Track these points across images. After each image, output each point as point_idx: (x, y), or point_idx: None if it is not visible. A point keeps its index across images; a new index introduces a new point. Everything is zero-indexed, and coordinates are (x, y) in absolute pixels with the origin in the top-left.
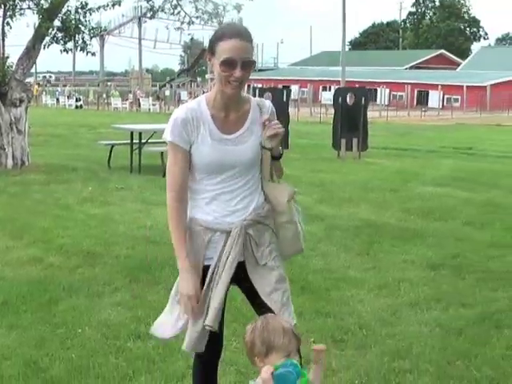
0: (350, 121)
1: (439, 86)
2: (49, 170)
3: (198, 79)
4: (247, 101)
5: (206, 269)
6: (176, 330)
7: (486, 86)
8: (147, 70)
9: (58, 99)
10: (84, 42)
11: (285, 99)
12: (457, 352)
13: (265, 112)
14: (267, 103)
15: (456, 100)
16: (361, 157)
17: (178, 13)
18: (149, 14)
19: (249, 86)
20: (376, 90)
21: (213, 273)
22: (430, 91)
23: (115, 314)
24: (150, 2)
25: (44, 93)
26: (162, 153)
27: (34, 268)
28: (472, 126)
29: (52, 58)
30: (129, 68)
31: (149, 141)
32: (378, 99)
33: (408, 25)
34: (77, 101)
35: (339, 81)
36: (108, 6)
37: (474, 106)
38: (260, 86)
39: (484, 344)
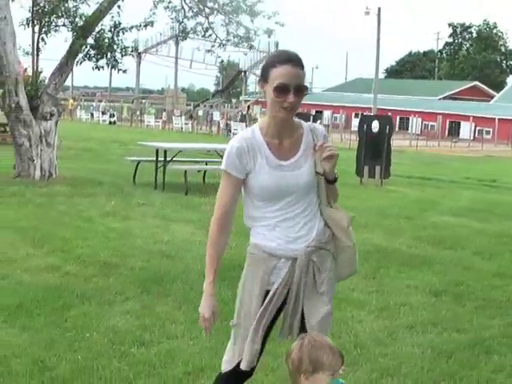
0: (374, 148)
1: (471, 118)
2: (75, 182)
3: (233, 100)
4: (300, 126)
5: (268, 294)
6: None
7: None
8: (183, 89)
9: (92, 114)
10: (115, 60)
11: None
12: (444, 373)
13: (318, 136)
14: (319, 128)
15: (488, 132)
16: (383, 184)
17: (210, 35)
18: (181, 36)
19: None
20: (408, 119)
21: (273, 296)
22: (461, 122)
23: (123, 322)
24: (183, 24)
25: (79, 107)
26: (185, 171)
27: (51, 275)
28: (501, 159)
29: (89, 74)
30: (165, 86)
31: (174, 159)
32: (410, 128)
33: (444, 55)
34: (111, 117)
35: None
36: (141, 26)
37: (506, 139)
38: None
39: (472, 367)
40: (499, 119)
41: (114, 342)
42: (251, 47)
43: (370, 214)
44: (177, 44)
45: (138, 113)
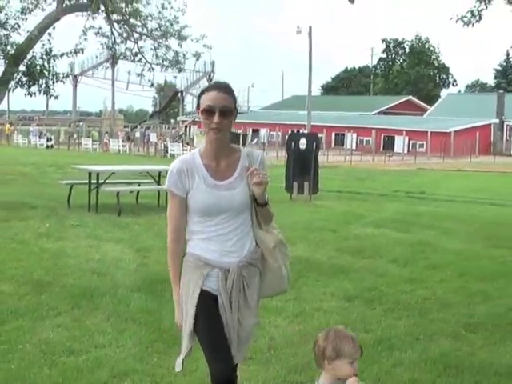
0: (302, 165)
1: (404, 132)
2: (10, 206)
3: (172, 121)
4: (237, 150)
5: (204, 292)
6: (182, 356)
7: (450, 133)
8: (121, 111)
9: (29, 139)
10: (47, 86)
11: (241, 143)
12: None
13: (254, 161)
14: (256, 153)
15: (421, 145)
16: (311, 199)
17: (140, 60)
18: (111, 61)
19: None
20: (343, 135)
21: (223, 304)
22: (395, 136)
23: (54, 334)
24: (113, 49)
25: (16, 132)
26: (117, 193)
27: None
28: (432, 172)
29: (27, 98)
30: (103, 108)
31: (108, 181)
32: (347, 144)
33: (379, 70)
34: (48, 140)
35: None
36: (71, 53)
37: (438, 152)
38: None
39: (374, 362)
40: (431, 132)
41: (45, 352)
42: (180, 70)
43: (297, 228)
44: (113, 66)
45: (75, 136)
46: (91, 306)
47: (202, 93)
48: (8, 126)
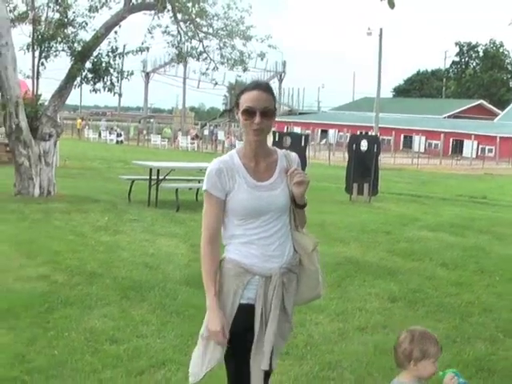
0: (363, 166)
1: (472, 136)
2: (72, 200)
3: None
4: (274, 151)
5: (242, 307)
6: (205, 367)
7: None
8: (193, 109)
9: (99, 134)
10: (112, 83)
11: (303, 144)
12: (380, 367)
13: (291, 162)
14: (293, 154)
15: (490, 150)
16: (371, 201)
17: (205, 59)
18: (177, 60)
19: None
20: (411, 137)
21: (261, 315)
22: (464, 140)
23: (100, 323)
24: (178, 48)
25: (87, 127)
26: (176, 189)
27: (40, 284)
28: (499, 177)
29: (99, 94)
30: (175, 105)
31: (169, 177)
32: (414, 146)
33: (451, 74)
34: (118, 136)
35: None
36: (136, 51)
37: (507, 157)
38: (299, 128)
39: None
40: (501, 137)
41: (89, 340)
42: (245, 70)
43: (352, 228)
44: (184, 65)
45: (144, 132)
46: (139, 298)
47: (242, 92)
48: (79, 120)
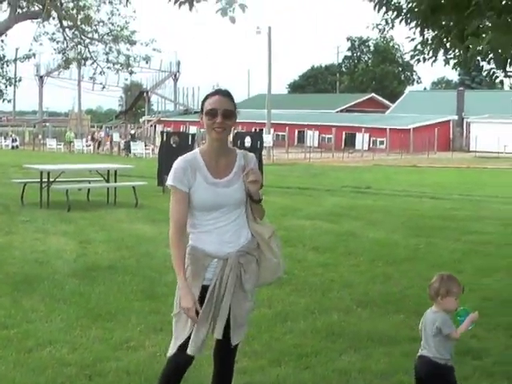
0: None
1: (363, 129)
2: None
3: (140, 120)
4: (233, 151)
5: (204, 287)
6: (179, 341)
7: (409, 129)
8: (90, 111)
9: None
10: (0, 90)
11: (190, 142)
12: None
13: (249, 161)
14: (250, 155)
15: (381, 142)
16: None
17: (92, 63)
18: (64, 65)
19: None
20: (304, 132)
21: (212, 291)
22: (356, 134)
23: None
24: (65, 54)
25: None
26: (66, 190)
27: None
28: (387, 168)
29: None
30: (71, 108)
31: (60, 179)
32: (307, 141)
33: (344, 69)
34: (13, 141)
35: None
36: (24, 58)
37: (398, 149)
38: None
39: (267, 331)
40: (391, 129)
41: None
42: (131, 73)
43: None
44: (79, 67)
45: (39, 136)
46: (30, 290)
47: (205, 99)
48: None
